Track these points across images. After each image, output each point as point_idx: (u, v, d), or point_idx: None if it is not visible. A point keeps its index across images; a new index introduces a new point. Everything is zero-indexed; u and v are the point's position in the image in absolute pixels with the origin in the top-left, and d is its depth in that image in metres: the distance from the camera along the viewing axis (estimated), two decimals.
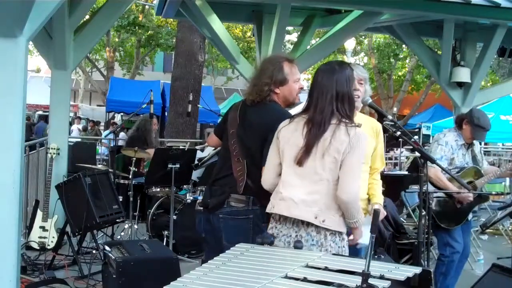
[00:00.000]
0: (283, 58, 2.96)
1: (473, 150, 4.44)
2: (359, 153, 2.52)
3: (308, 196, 2.52)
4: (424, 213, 3.41)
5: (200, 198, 5.79)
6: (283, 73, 2.89)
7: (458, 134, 4.36)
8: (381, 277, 1.86)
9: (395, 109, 21.15)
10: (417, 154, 3.32)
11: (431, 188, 3.86)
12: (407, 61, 23.02)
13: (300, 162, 2.53)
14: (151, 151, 5.90)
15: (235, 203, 2.84)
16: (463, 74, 7.08)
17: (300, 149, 2.54)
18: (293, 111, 2.96)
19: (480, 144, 14.04)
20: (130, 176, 5.75)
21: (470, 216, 4.50)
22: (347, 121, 2.54)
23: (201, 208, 2.99)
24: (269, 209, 2.63)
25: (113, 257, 3.76)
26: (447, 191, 4.22)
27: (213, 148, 4.25)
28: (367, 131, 2.99)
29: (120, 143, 8.74)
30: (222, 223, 2.84)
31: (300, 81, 2.99)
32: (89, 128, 19.25)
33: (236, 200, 2.84)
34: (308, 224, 2.51)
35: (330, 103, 2.54)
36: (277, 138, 2.65)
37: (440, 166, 3.57)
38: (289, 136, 2.60)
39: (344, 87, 2.57)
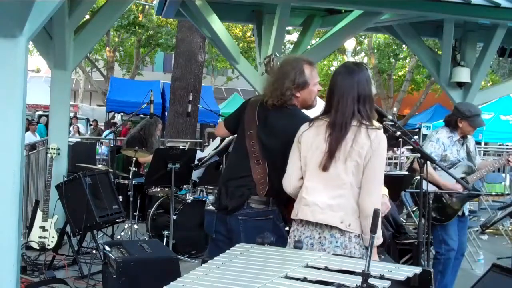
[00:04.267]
0: (304, 61, 2.91)
1: (468, 146, 4.46)
2: (381, 157, 2.50)
3: (332, 201, 2.49)
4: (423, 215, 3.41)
5: (200, 198, 5.86)
6: (305, 76, 2.85)
7: (452, 130, 4.38)
8: (381, 277, 1.86)
9: (395, 109, 21.14)
10: (417, 154, 3.33)
11: (430, 188, 3.87)
12: (407, 61, 23.03)
13: (325, 167, 2.50)
14: (149, 157, 5.87)
15: (255, 205, 2.82)
16: (463, 74, 7.08)
17: (323, 154, 2.51)
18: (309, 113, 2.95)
19: (480, 143, 14.00)
20: (130, 176, 5.75)
21: (466, 213, 4.51)
22: (367, 123, 2.51)
23: (213, 208, 2.97)
24: (293, 215, 2.61)
25: (113, 257, 3.76)
26: (443, 190, 4.24)
27: (213, 148, 4.24)
28: None
29: None
30: (242, 225, 2.82)
31: (318, 84, 2.96)
32: (91, 127, 19.20)
33: (256, 202, 2.82)
34: (332, 226, 2.49)
35: (352, 105, 2.51)
36: (298, 142, 2.61)
37: (439, 166, 3.58)
38: (312, 141, 2.56)
39: (365, 88, 2.55)
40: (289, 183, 2.65)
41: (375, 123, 2.61)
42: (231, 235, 2.87)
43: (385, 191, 3.19)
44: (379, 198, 2.51)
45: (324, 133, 2.53)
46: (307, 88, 2.87)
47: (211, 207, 3.01)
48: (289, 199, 2.85)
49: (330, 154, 2.49)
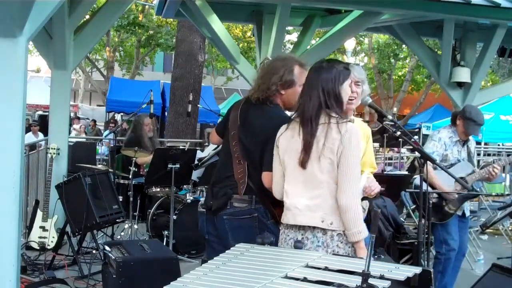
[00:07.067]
0: (296, 61, 2.93)
1: (469, 147, 4.46)
2: (354, 151, 2.45)
3: (311, 201, 2.49)
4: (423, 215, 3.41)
5: (201, 198, 5.86)
6: (293, 75, 2.87)
7: (453, 130, 4.40)
8: (381, 277, 1.86)
9: (395, 109, 21.16)
10: (417, 154, 3.32)
11: (430, 189, 3.87)
12: (407, 61, 23.03)
13: (303, 164, 2.49)
14: (148, 158, 5.87)
15: (238, 204, 2.83)
16: (463, 74, 7.08)
17: (299, 154, 2.51)
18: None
19: (480, 143, 13.97)
20: (130, 176, 5.75)
21: (467, 214, 4.50)
22: (337, 116, 2.49)
23: (204, 209, 2.98)
24: (282, 219, 2.65)
25: (113, 257, 3.76)
26: (441, 191, 4.25)
27: (213, 148, 4.25)
28: None
29: None
30: (227, 224, 2.84)
31: None
32: (89, 127, 19.20)
33: (238, 201, 2.83)
34: (315, 226, 2.49)
35: (317, 98, 2.51)
36: (277, 146, 2.63)
37: (439, 165, 3.58)
38: (287, 143, 2.57)
39: (329, 84, 2.52)
40: (277, 190, 2.67)
41: (352, 117, 2.59)
42: (220, 235, 2.89)
43: (371, 169, 3.16)
44: (355, 194, 2.46)
45: (298, 134, 2.53)
46: (293, 87, 2.88)
47: (201, 209, 3.02)
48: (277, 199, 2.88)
49: (305, 149, 2.48)
